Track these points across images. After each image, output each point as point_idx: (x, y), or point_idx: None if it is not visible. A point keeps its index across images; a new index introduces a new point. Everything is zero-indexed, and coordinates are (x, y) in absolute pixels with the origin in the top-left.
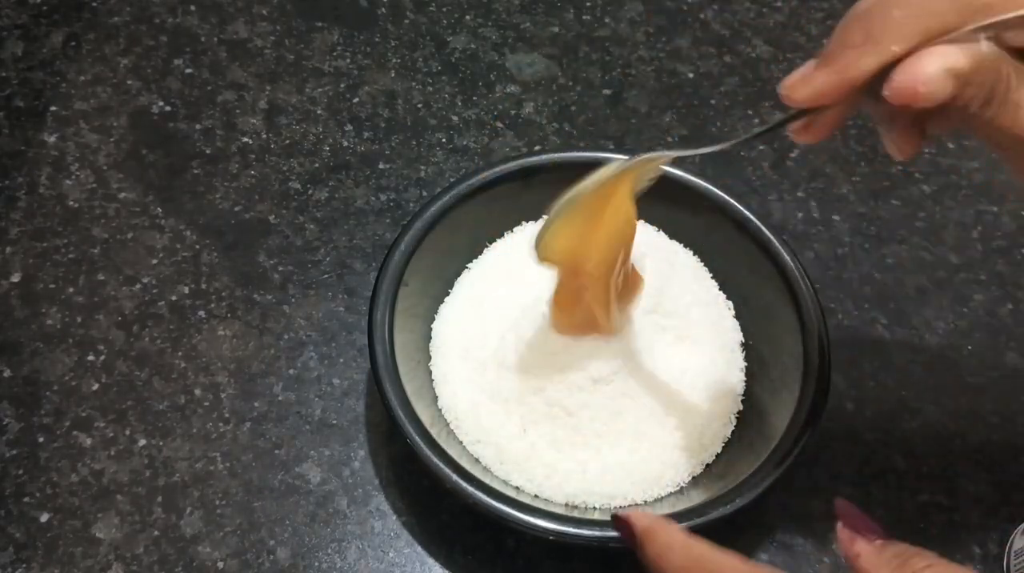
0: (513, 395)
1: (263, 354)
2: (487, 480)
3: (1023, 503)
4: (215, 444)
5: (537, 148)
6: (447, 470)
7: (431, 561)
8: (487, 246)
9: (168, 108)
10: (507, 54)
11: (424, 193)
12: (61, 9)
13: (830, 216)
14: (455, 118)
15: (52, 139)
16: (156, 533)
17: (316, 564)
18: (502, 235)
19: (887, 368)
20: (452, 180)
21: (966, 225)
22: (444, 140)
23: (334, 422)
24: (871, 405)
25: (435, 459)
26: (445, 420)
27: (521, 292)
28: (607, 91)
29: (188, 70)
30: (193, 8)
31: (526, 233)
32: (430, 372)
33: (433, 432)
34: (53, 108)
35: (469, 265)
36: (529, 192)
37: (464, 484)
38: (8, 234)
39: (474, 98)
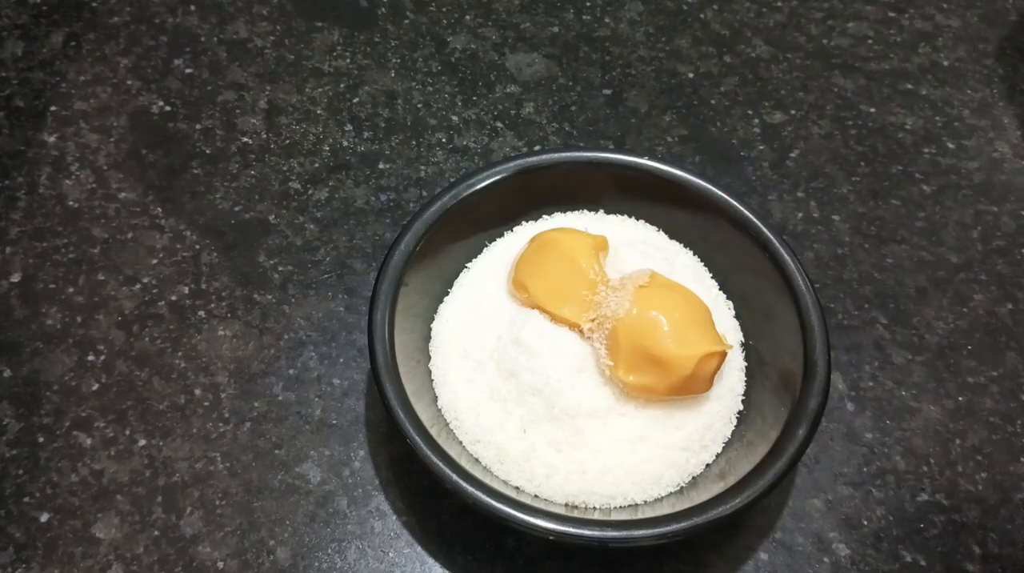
0: (512, 395)
1: (263, 354)
2: (487, 480)
3: (1023, 503)
4: (215, 444)
5: (536, 148)
6: (447, 470)
7: (431, 561)
8: (487, 246)
9: (168, 108)
10: (507, 54)
11: (424, 193)
12: (61, 9)
13: (830, 216)
14: (455, 118)
15: (52, 139)
16: (156, 533)
17: (316, 564)
18: (502, 235)
19: (887, 368)
20: (452, 180)
21: (966, 225)
22: (444, 140)
23: (334, 422)
24: (871, 405)
25: (435, 459)
26: (445, 420)
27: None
28: (607, 91)
29: (188, 70)
30: (193, 8)
31: (526, 232)
32: (430, 372)
33: (433, 432)
34: (53, 108)
35: (468, 265)
36: (528, 192)
37: (464, 484)
38: (8, 234)
39: (474, 98)
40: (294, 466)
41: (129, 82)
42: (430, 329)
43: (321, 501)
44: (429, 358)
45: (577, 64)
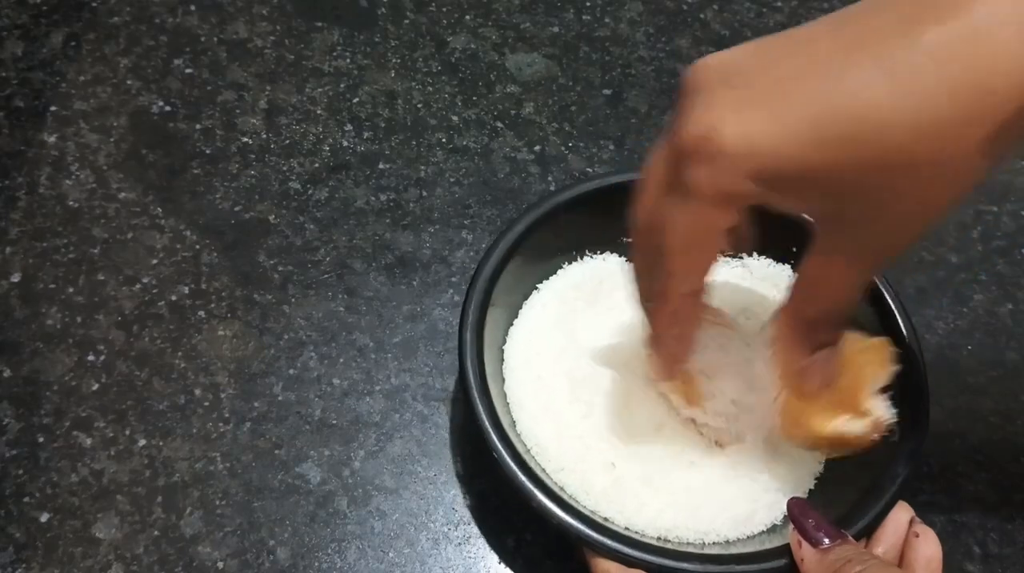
0: (595, 431)
1: (263, 354)
2: (579, 509)
3: (1023, 503)
4: (215, 444)
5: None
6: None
7: (431, 561)
8: (562, 267)
9: (168, 108)
10: (507, 54)
11: (424, 193)
12: (61, 9)
13: None
14: (455, 118)
15: (52, 139)
16: (156, 533)
17: (316, 564)
18: (579, 258)
19: None
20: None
21: (966, 225)
22: (444, 140)
23: (334, 422)
24: None
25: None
26: (526, 445)
27: (600, 320)
28: (607, 91)
29: (188, 70)
30: (193, 8)
31: (608, 262)
32: (505, 394)
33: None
34: (53, 108)
35: (539, 286)
36: (608, 215)
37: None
38: (8, 234)
39: (474, 98)
40: (294, 466)
41: (129, 82)
42: (502, 350)
43: (321, 501)
44: (503, 380)
45: (577, 64)
